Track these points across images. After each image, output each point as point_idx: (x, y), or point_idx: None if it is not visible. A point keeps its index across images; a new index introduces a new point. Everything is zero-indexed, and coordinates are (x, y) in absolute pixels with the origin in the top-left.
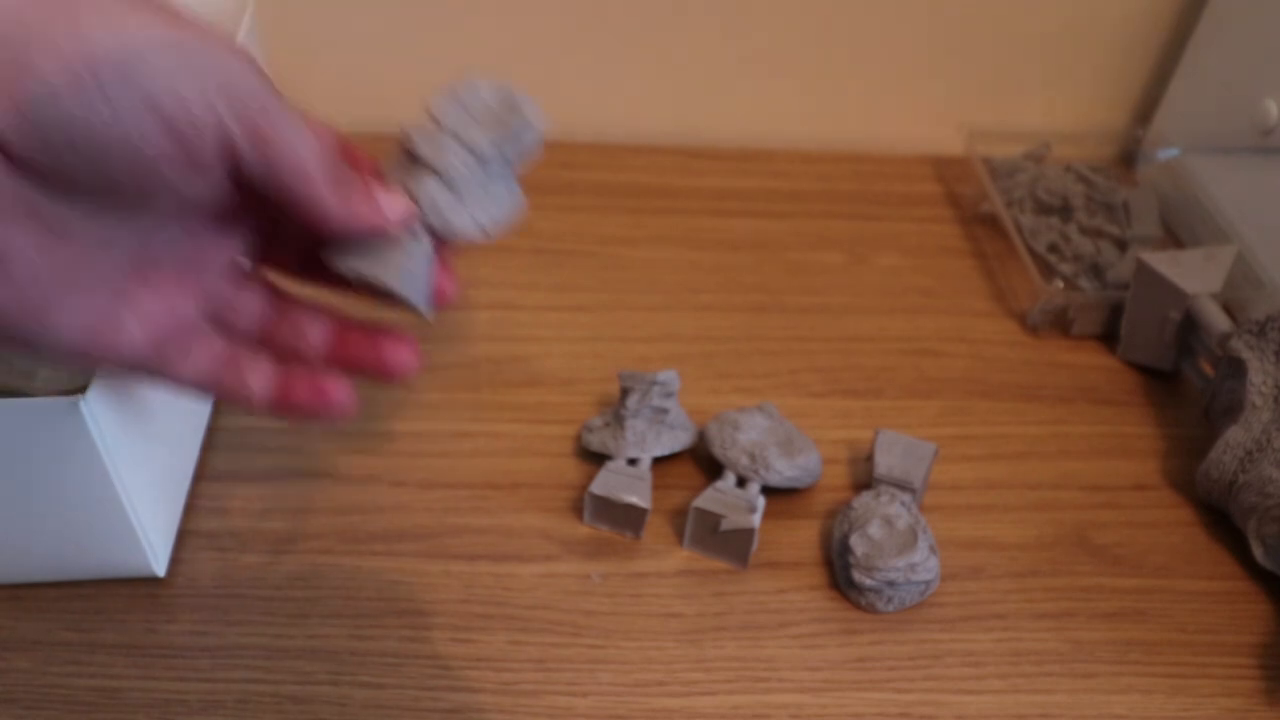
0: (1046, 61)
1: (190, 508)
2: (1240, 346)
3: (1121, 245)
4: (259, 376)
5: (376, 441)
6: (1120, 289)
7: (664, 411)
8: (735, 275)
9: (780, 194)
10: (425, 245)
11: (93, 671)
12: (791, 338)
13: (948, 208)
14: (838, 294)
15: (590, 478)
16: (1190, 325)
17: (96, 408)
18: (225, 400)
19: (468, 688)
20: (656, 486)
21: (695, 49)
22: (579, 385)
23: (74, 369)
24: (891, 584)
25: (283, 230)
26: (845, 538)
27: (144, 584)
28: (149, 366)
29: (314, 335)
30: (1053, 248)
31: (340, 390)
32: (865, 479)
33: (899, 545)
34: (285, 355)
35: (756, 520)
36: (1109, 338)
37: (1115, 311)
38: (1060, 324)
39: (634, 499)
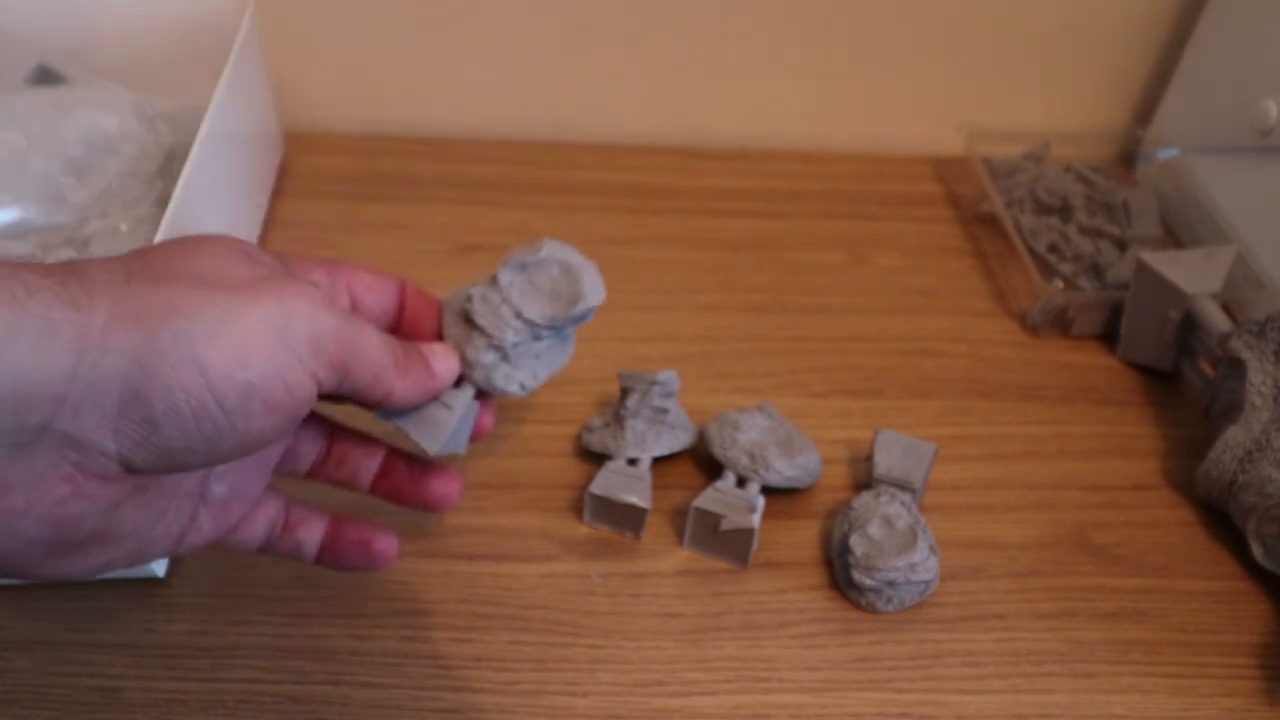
0: (1046, 61)
1: None
2: (1240, 346)
3: (1121, 245)
4: (309, 532)
5: None
6: (1120, 289)
7: (664, 411)
8: (735, 275)
9: (780, 194)
10: (467, 397)
11: (93, 671)
12: (791, 338)
13: (948, 208)
14: (838, 294)
15: (590, 478)
16: (1190, 325)
17: None
18: (277, 556)
19: (467, 688)
20: (656, 486)
21: (695, 49)
22: (579, 385)
23: None
24: (891, 584)
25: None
26: (845, 538)
27: (144, 584)
28: (218, 540)
29: (365, 473)
30: (1053, 248)
31: (386, 543)
32: (865, 479)
33: (899, 545)
34: (337, 484)
35: (756, 520)
36: (1109, 338)
37: (1115, 311)
38: (1060, 324)
39: (634, 499)
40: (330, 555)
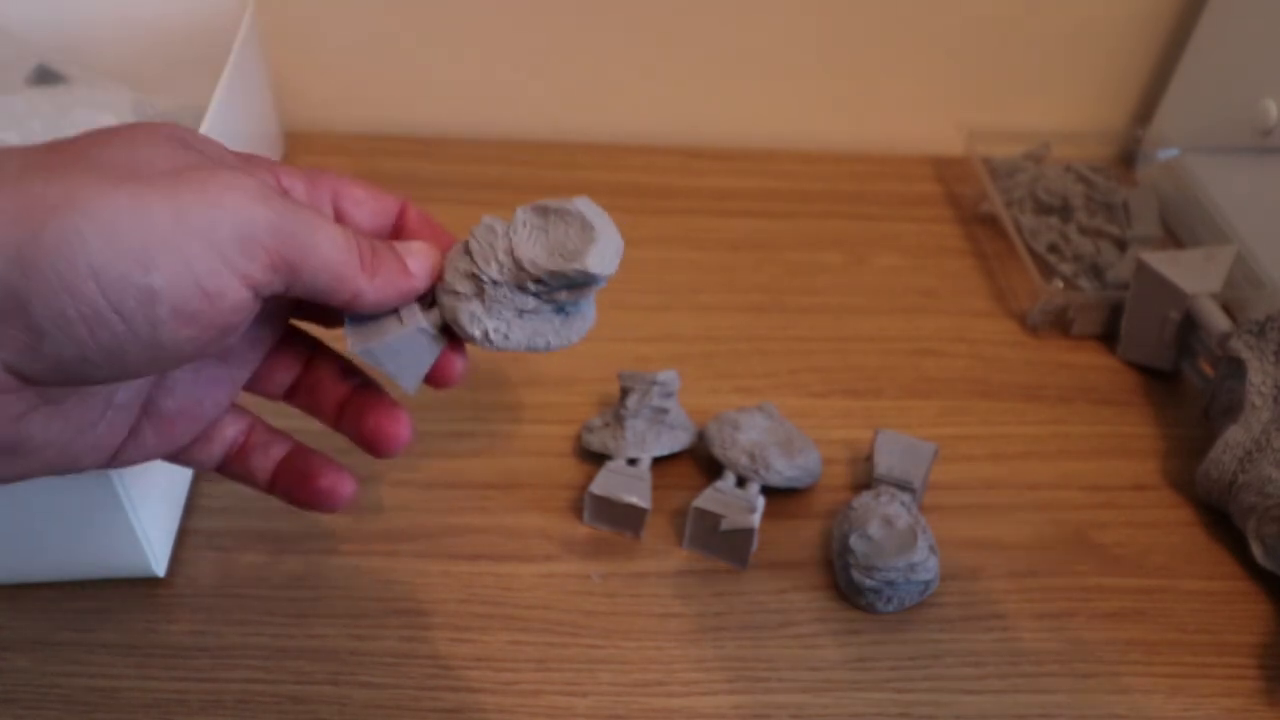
0: (1046, 61)
1: (190, 508)
2: (1240, 346)
3: (1121, 245)
4: (264, 459)
5: None
6: (1120, 289)
7: (664, 411)
8: (735, 275)
9: (780, 194)
10: (430, 330)
11: (93, 671)
12: (791, 338)
13: (947, 208)
14: (837, 294)
15: (590, 478)
16: (1190, 325)
17: None
18: (231, 480)
19: (467, 687)
20: (656, 486)
21: (695, 49)
22: (579, 385)
23: None
24: (891, 584)
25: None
26: (845, 538)
27: (144, 584)
28: (167, 457)
29: (328, 403)
30: (1053, 248)
31: (332, 480)
32: (865, 479)
33: (899, 545)
34: (307, 411)
35: (756, 520)
36: (1109, 338)
37: (1115, 311)
38: (1060, 324)
39: (634, 499)
40: (281, 485)
